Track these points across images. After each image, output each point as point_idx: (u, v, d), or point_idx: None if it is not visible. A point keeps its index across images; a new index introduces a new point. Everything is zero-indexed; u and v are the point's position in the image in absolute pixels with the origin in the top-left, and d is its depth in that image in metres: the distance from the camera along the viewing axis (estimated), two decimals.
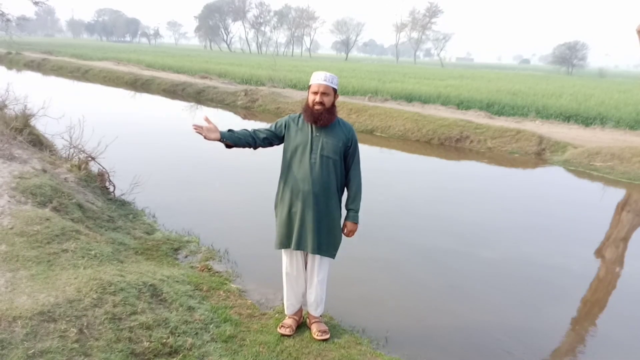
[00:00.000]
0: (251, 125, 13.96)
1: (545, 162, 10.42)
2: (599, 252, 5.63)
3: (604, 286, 4.86)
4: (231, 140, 3.00)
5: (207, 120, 2.98)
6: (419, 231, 5.96)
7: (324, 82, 2.97)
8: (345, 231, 3.19)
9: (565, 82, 30.03)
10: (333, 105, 3.04)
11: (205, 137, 2.92)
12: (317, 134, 3.03)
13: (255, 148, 3.13)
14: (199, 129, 2.90)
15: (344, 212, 3.20)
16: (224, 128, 3.03)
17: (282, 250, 3.23)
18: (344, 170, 3.15)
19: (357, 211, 3.16)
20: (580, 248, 5.69)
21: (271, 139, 3.11)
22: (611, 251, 5.76)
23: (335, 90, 3.03)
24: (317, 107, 2.96)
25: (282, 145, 3.15)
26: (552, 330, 3.86)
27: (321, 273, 3.23)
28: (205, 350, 2.89)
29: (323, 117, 2.98)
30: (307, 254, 3.23)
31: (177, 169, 8.06)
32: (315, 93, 2.98)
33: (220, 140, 2.98)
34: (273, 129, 3.13)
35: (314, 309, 3.33)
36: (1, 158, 5.32)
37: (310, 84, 3.05)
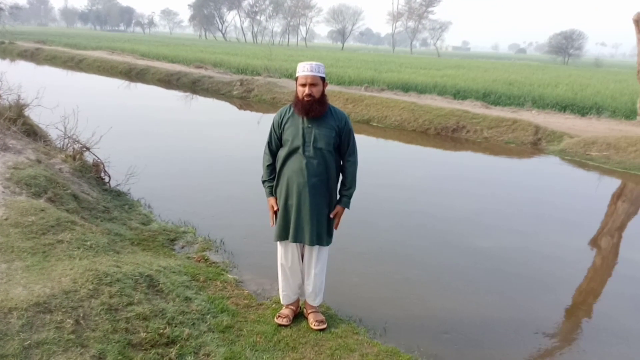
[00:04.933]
0: (246, 115, 13.90)
1: (542, 152, 10.44)
2: (594, 242, 5.66)
3: (599, 275, 4.89)
4: (273, 185, 3.19)
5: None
6: (416, 221, 5.96)
7: (311, 73, 2.92)
8: (332, 214, 3.12)
9: (562, 72, 30.00)
10: (323, 95, 2.98)
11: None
12: (309, 126, 2.98)
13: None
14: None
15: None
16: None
17: (278, 241, 3.22)
18: (338, 159, 3.12)
19: (350, 197, 3.16)
20: (576, 237, 5.71)
21: (277, 151, 3.13)
22: (606, 240, 5.79)
23: (323, 79, 2.98)
24: (306, 99, 2.91)
25: None
26: (547, 319, 3.89)
27: (319, 264, 3.23)
28: (203, 341, 2.89)
29: (314, 108, 2.93)
30: (303, 246, 3.22)
31: (172, 159, 8.02)
32: (304, 85, 2.92)
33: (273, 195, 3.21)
34: (273, 146, 3.13)
35: (313, 299, 3.34)
36: None
37: (296, 75, 2.99)
